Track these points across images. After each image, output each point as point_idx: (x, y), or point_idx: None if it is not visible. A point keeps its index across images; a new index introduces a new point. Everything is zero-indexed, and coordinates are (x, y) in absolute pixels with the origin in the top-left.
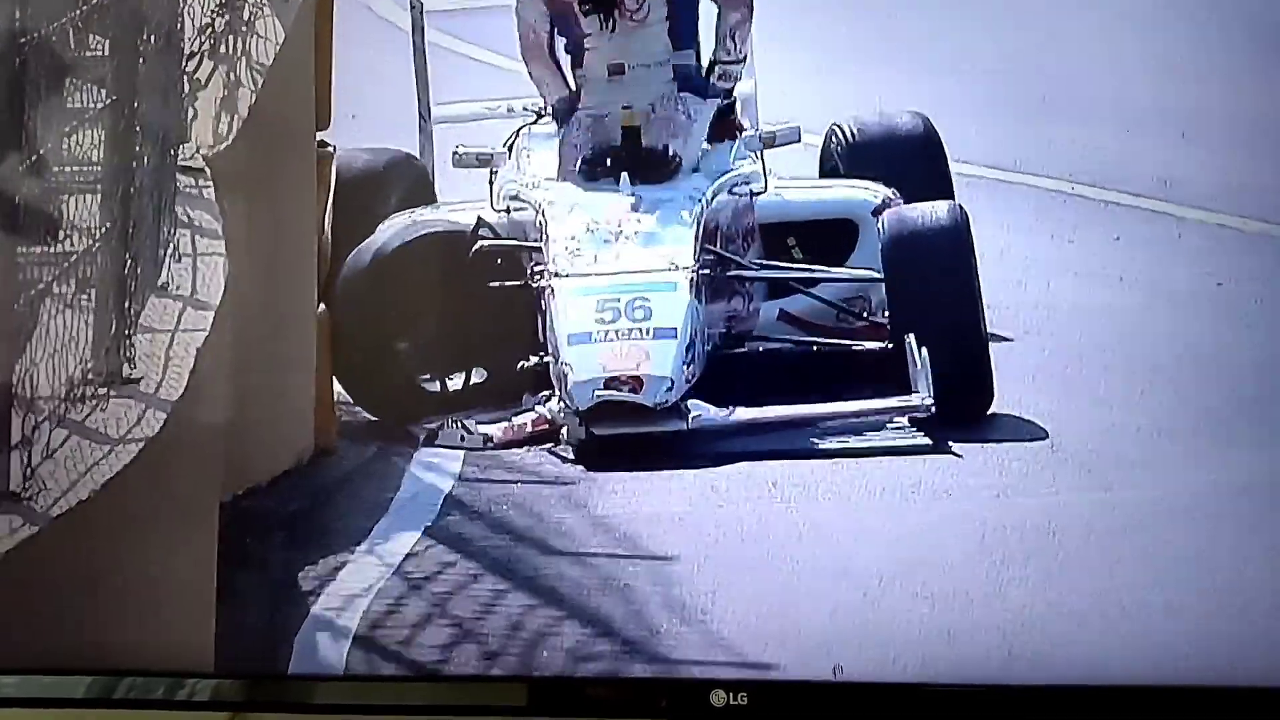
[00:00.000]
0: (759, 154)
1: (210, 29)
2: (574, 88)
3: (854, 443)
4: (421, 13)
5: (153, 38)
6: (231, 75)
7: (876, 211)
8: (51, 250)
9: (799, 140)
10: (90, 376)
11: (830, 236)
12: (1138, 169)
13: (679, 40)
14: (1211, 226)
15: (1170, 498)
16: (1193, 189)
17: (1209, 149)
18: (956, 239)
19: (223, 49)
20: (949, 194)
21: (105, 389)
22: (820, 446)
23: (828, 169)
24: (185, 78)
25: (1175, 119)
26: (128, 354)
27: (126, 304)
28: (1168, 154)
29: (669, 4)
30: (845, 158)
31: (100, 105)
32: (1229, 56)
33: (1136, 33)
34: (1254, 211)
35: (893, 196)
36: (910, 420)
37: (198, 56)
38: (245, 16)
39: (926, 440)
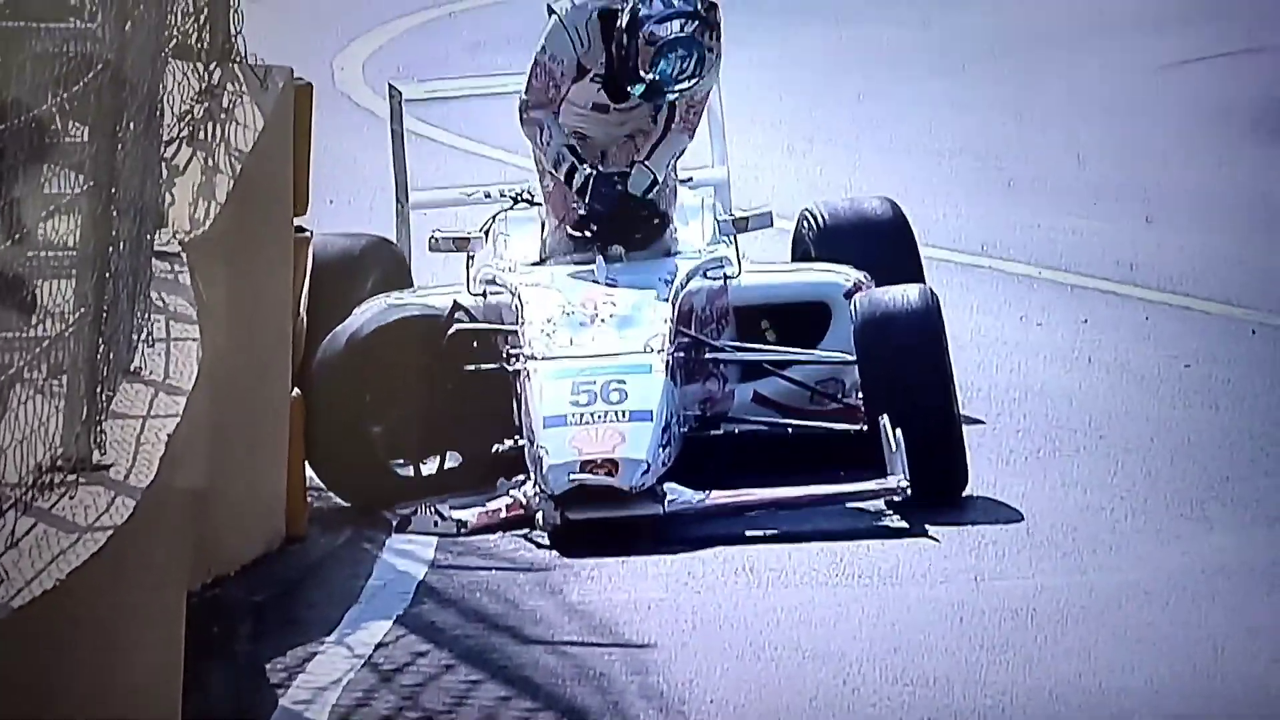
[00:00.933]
0: (732, 238)
1: (190, 116)
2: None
3: (831, 525)
4: (400, 101)
5: (132, 124)
6: (210, 161)
7: (848, 295)
8: (24, 335)
9: (771, 225)
10: (59, 463)
11: (803, 319)
12: (1103, 253)
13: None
14: (1177, 309)
15: (1146, 579)
16: (1158, 272)
17: (1172, 233)
18: (928, 322)
19: (202, 135)
20: (919, 278)
21: (74, 476)
22: (797, 530)
23: (800, 253)
24: (164, 163)
25: (1138, 203)
26: (98, 440)
27: (98, 389)
28: (1132, 238)
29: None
30: (817, 242)
31: (78, 190)
32: (1188, 142)
33: (1097, 119)
34: (1218, 294)
35: (864, 280)
36: (886, 503)
37: (176, 143)
38: (225, 104)
39: (903, 523)
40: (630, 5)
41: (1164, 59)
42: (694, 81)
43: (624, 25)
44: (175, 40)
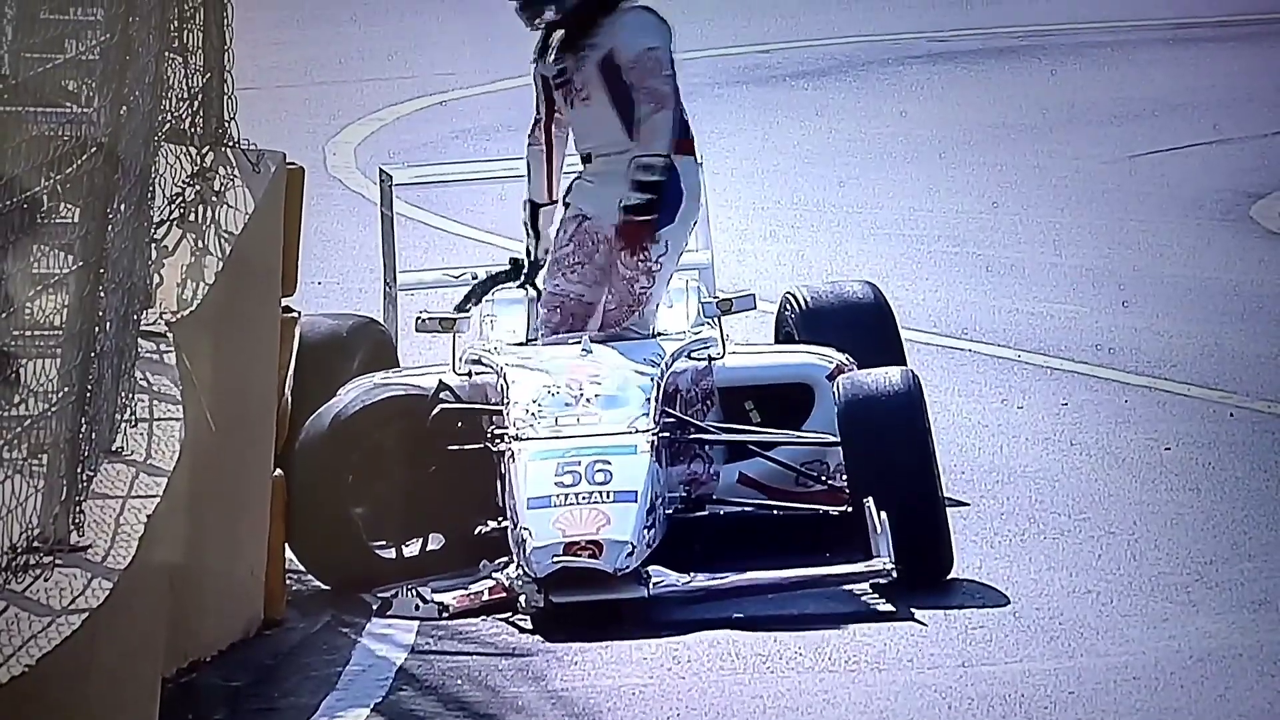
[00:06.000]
0: (716, 320)
1: (181, 198)
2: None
3: (817, 609)
4: (391, 185)
5: (123, 205)
6: (200, 243)
7: (831, 376)
8: (5, 413)
9: (754, 307)
10: (36, 544)
11: (786, 401)
12: (1081, 337)
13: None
14: (1156, 392)
15: (1134, 664)
16: (1135, 356)
17: (1149, 317)
18: (911, 404)
19: (193, 217)
20: (901, 360)
21: (51, 557)
22: (783, 614)
23: (782, 335)
24: (153, 244)
25: (1114, 288)
26: (76, 520)
27: (79, 469)
28: (1110, 322)
29: (606, 89)
30: (799, 324)
31: (66, 270)
32: (1161, 229)
33: (1071, 206)
34: (1195, 378)
35: (847, 362)
36: (872, 586)
37: (167, 224)
38: (217, 187)
39: (889, 607)
40: None
41: (1134, 149)
42: None
43: None
44: (169, 124)
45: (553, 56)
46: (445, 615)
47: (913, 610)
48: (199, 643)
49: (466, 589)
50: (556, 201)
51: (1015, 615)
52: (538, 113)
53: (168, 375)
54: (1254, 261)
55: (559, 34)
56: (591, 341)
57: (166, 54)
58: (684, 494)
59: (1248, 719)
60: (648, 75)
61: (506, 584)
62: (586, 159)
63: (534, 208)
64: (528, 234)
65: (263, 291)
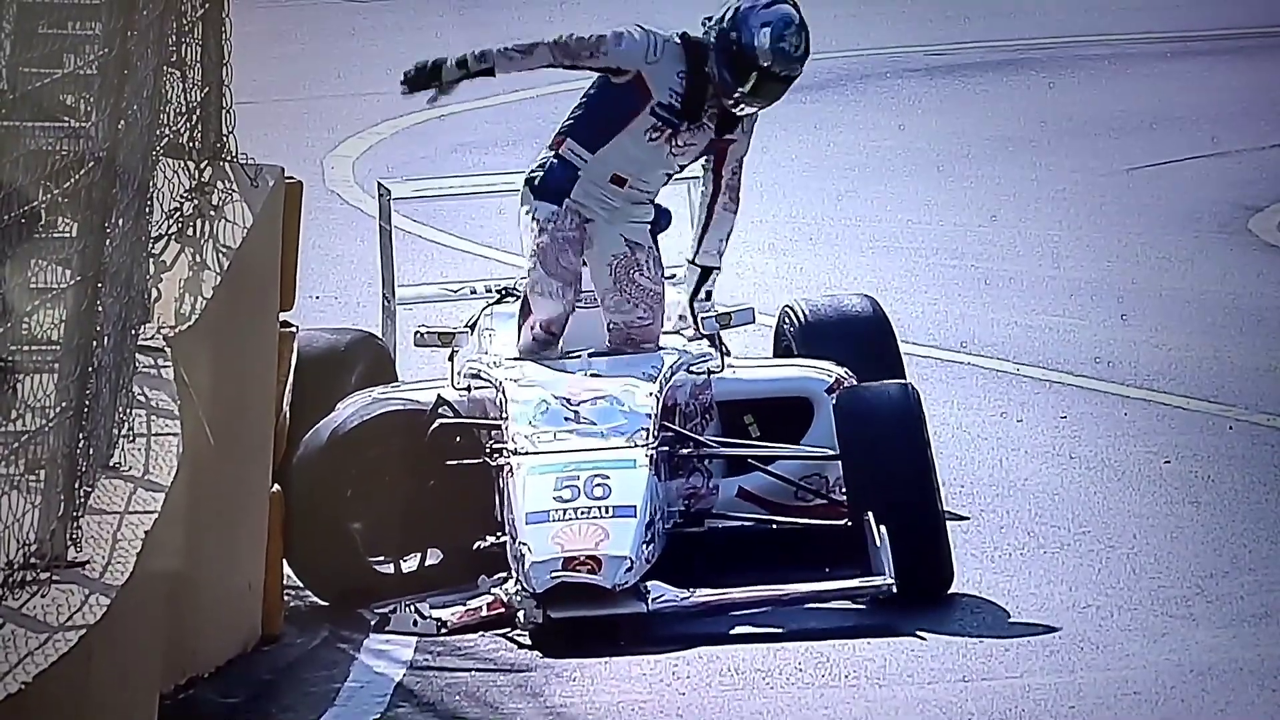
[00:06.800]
0: (715, 334)
1: (179, 212)
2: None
3: (817, 624)
4: (389, 199)
5: (121, 220)
6: (197, 257)
7: (830, 390)
8: (2, 429)
9: (753, 321)
10: (32, 560)
11: (786, 415)
12: (1080, 350)
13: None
14: (1155, 405)
15: (1135, 679)
16: (1134, 369)
17: (1147, 330)
18: (910, 418)
19: (191, 232)
20: (900, 373)
21: (48, 573)
22: (782, 628)
23: (781, 349)
24: (151, 259)
25: (1113, 301)
26: (74, 536)
27: (76, 485)
28: (1108, 335)
29: (704, 154)
30: (798, 338)
31: (65, 284)
32: (1159, 241)
33: (1069, 219)
34: (1194, 390)
35: (846, 376)
36: (872, 600)
37: (165, 238)
38: (215, 201)
39: (889, 622)
40: (725, 12)
41: (1132, 162)
42: (801, 65)
43: (725, 22)
44: (167, 139)
45: (681, 97)
46: (443, 631)
47: (913, 625)
48: (197, 659)
49: (465, 604)
50: (493, 77)
51: (1015, 629)
52: (578, 59)
53: (166, 390)
54: (1252, 274)
55: (725, 107)
56: (590, 357)
57: (165, 68)
58: (683, 508)
59: None
60: (740, 182)
61: (505, 599)
62: (619, 181)
63: (490, 73)
64: (464, 68)
65: (261, 306)
